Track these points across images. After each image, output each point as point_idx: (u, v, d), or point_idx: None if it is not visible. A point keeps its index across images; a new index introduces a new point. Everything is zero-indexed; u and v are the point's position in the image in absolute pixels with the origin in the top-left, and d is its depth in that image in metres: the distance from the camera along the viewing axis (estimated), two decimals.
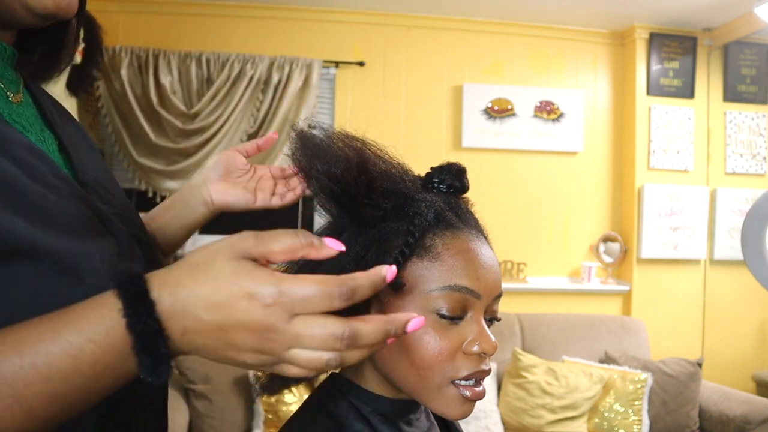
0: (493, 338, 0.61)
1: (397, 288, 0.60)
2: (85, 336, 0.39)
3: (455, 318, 0.60)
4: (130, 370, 0.41)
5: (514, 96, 3.23)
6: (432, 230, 0.62)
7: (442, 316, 0.60)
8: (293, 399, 2.36)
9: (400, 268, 0.60)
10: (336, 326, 0.41)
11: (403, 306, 0.61)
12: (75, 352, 0.39)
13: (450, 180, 0.68)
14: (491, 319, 0.64)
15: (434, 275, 0.60)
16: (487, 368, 0.61)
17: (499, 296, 0.64)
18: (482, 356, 0.61)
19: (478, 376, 0.61)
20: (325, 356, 0.41)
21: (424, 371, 0.60)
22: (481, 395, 0.61)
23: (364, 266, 0.59)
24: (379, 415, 0.64)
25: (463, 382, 0.60)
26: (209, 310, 0.40)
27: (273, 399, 2.34)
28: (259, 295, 0.40)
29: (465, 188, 0.69)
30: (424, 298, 0.60)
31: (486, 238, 0.67)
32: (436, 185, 0.68)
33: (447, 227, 0.63)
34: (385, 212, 0.63)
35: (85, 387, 0.40)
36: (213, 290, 0.40)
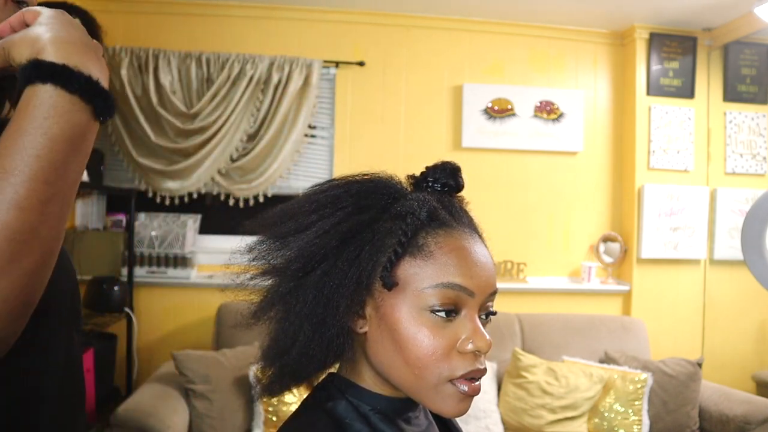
0: (487, 336, 0.61)
1: (390, 286, 0.61)
2: (49, 123, 0.52)
3: (448, 315, 0.60)
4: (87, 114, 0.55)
5: (514, 96, 3.23)
6: (425, 229, 0.63)
7: (436, 314, 0.60)
8: (293, 399, 2.36)
9: (393, 267, 0.61)
10: None
11: (397, 304, 0.61)
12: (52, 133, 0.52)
13: (444, 178, 0.68)
14: (487, 314, 0.64)
15: (427, 273, 0.61)
16: (482, 367, 0.61)
17: (493, 294, 0.64)
18: (477, 354, 0.61)
19: (474, 376, 0.61)
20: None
21: (419, 370, 0.60)
22: (477, 390, 0.61)
23: (359, 266, 0.60)
24: (378, 413, 0.64)
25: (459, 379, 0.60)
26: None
27: (273, 399, 2.34)
28: None
29: (459, 187, 0.69)
30: (417, 296, 0.61)
31: (480, 236, 0.67)
32: (430, 184, 0.68)
33: (440, 226, 0.63)
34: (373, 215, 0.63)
35: (64, 150, 0.53)
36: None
